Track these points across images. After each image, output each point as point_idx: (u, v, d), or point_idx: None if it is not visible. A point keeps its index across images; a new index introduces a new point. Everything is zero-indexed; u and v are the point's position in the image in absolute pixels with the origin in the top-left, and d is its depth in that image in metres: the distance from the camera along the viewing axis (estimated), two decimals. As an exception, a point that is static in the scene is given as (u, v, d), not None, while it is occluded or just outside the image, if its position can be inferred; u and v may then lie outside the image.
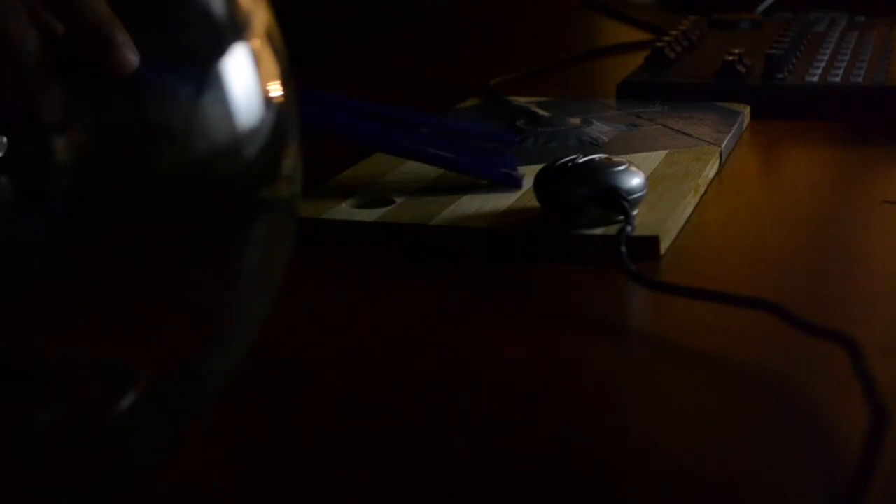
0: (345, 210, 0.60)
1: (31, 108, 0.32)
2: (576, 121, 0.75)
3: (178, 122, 0.34)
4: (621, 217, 0.55)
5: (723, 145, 0.70)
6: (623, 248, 0.52)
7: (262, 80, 0.35)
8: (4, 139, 0.32)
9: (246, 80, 0.34)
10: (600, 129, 0.73)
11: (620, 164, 0.57)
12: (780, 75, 0.84)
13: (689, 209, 0.61)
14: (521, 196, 0.61)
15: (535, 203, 0.58)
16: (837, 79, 0.83)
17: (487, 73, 0.93)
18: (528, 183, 0.61)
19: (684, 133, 0.72)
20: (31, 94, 0.32)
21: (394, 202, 0.60)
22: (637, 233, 0.55)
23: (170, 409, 0.36)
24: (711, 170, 0.66)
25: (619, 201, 0.55)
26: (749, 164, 0.72)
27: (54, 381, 0.36)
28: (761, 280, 0.53)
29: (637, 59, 0.93)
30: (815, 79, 0.83)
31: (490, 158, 0.64)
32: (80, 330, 0.34)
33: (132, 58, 0.33)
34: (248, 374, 0.38)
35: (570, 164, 0.57)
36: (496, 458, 0.38)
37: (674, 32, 0.97)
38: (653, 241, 0.55)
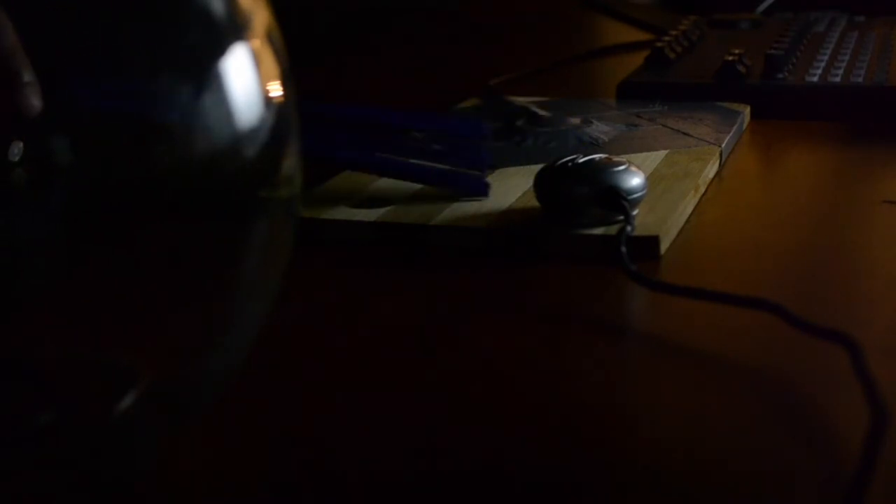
0: (345, 210, 0.60)
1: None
2: (576, 121, 0.75)
3: (178, 122, 0.34)
4: (621, 217, 0.56)
5: (723, 145, 0.70)
6: (623, 248, 0.52)
7: (262, 80, 0.35)
8: (21, 144, 0.31)
9: (246, 80, 0.34)
10: (600, 129, 0.73)
11: (620, 164, 0.57)
12: (780, 75, 0.84)
13: (689, 209, 0.61)
14: (521, 196, 0.61)
15: (535, 203, 0.58)
16: (837, 79, 0.83)
17: (487, 73, 0.93)
18: (528, 183, 0.61)
19: (684, 133, 0.72)
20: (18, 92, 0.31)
21: (394, 202, 0.60)
22: (637, 233, 0.55)
23: (170, 409, 0.36)
24: (711, 170, 0.66)
25: (619, 201, 0.55)
26: (749, 164, 0.72)
27: (54, 381, 0.35)
28: (761, 280, 0.53)
29: (637, 59, 0.93)
30: (815, 79, 0.83)
31: (464, 157, 0.64)
32: (81, 330, 0.34)
33: (34, 103, 0.32)
34: (249, 374, 0.38)
35: (570, 164, 0.57)
36: (496, 457, 0.38)
37: (674, 32, 0.97)
38: (653, 241, 0.55)
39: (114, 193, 0.33)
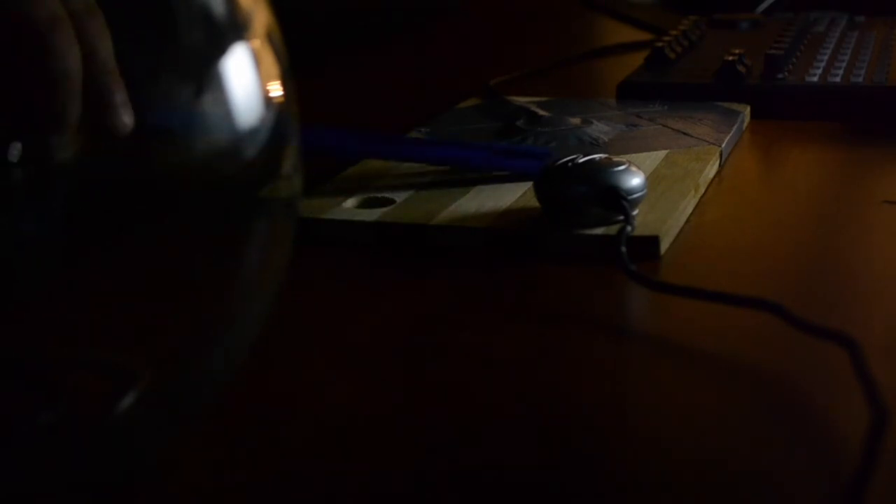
0: (345, 210, 0.60)
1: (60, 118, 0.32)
2: (576, 121, 0.75)
3: (179, 123, 0.34)
4: (621, 217, 0.55)
5: (723, 145, 0.70)
6: (623, 248, 0.52)
7: (262, 80, 0.35)
8: (20, 145, 0.31)
9: (246, 80, 0.34)
10: (600, 129, 0.73)
11: (620, 164, 0.57)
12: (780, 75, 0.84)
13: (689, 209, 0.61)
14: (521, 196, 0.61)
15: (535, 203, 0.58)
16: (837, 79, 0.83)
17: (487, 73, 0.93)
18: (528, 183, 0.61)
19: (684, 133, 0.72)
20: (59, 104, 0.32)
21: (394, 202, 0.60)
22: (637, 233, 0.55)
23: (170, 409, 0.36)
24: (711, 170, 0.66)
25: (619, 201, 0.55)
26: (749, 164, 0.72)
27: (54, 381, 0.36)
28: (761, 280, 0.53)
29: (637, 59, 0.93)
30: (815, 79, 0.83)
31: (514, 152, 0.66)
32: (81, 330, 0.34)
33: (126, 121, 0.32)
34: (248, 374, 0.38)
35: (570, 164, 0.57)
36: (496, 458, 0.38)
37: (674, 32, 0.97)
38: (653, 241, 0.55)
39: (114, 193, 0.33)
